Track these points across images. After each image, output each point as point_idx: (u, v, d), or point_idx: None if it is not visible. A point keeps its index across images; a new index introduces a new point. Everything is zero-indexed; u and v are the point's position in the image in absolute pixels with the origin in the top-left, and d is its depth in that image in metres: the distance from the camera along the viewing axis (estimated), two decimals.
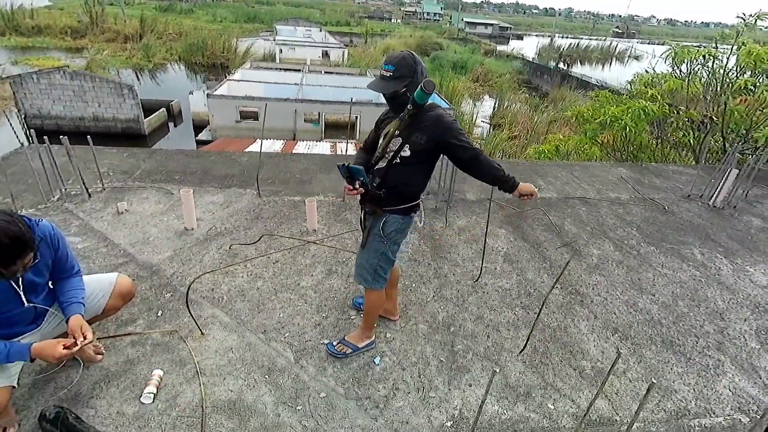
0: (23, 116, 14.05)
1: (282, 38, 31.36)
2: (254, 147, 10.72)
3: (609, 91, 8.77)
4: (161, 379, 1.97)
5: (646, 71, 7.77)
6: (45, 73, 14.16)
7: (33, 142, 3.39)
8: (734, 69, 6.27)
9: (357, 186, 1.77)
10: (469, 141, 1.78)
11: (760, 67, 5.79)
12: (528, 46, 51.74)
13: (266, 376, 2.07)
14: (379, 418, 1.92)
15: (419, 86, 1.62)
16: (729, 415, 2.11)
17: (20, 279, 1.51)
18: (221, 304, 2.52)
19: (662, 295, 3.01)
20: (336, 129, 15.73)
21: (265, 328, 2.37)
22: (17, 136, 3.91)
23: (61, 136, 3.33)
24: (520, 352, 2.36)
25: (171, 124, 16.95)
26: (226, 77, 17.91)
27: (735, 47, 6.12)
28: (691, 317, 2.81)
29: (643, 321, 2.74)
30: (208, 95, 14.42)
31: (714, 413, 2.12)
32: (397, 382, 2.11)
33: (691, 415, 2.10)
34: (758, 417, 1.69)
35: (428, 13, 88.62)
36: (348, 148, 9.58)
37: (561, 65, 36.92)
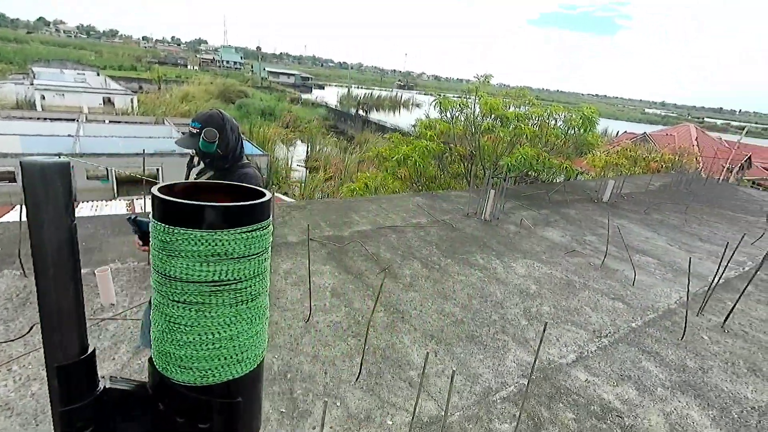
0: None
1: (44, 82, 26.08)
2: (13, 215, 8.39)
3: (400, 133, 10.31)
4: None
5: (425, 116, 9.48)
6: None
7: None
8: (479, 115, 8.26)
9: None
10: None
11: (495, 113, 7.78)
12: (330, 95, 56.50)
13: None
14: None
15: (201, 137, 1.69)
16: (516, 382, 2.67)
17: None
18: None
19: (461, 298, 3.63)
20: (135, 184, 13.72)
21: None
22: None
23: None
24: (356, 379, 2.48)
25: None
26: None
27: (477, 98, 8.09)
28: (482, 311, 3.47)
29: (451, 323, 3.24)
30: None
31: (507, 384, 2.64)
32: None
33: (494, 392, 2.56)
34: (530, 376, 2.21)
35: (228, 62, 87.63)
36: (148, 204, 8.46)
37: (361, 112, 41.51)
